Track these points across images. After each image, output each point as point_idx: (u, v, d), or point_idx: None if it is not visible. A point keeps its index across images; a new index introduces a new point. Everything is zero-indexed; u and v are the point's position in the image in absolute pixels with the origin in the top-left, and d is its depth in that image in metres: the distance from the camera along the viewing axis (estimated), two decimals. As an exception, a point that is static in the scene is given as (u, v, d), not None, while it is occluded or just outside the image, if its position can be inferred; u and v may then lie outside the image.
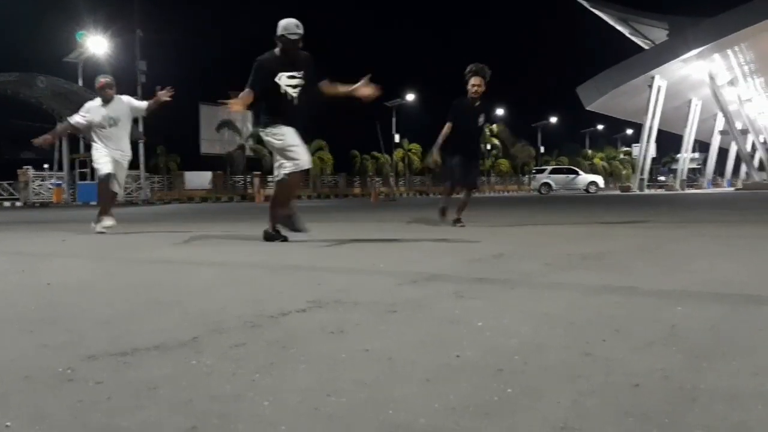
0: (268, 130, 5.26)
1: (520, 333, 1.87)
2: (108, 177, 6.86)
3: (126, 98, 7.17)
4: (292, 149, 5.21)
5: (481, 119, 6.95)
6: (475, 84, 6.78)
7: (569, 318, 2.06)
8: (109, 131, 6.89)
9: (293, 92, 5.24)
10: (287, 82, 5.23)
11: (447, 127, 6.88)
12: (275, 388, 1.39)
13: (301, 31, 5.14)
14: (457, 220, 6.86)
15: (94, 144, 6.93)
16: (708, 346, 1.70)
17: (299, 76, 5.25)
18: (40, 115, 31.78)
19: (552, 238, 5.32)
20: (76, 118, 6.99)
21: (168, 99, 6.93)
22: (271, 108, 5.25)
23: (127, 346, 1.76)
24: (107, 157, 6.85)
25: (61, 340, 1.88)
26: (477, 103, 6.87)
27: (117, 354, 1.69)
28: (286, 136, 5.22)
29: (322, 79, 5.42)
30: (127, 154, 7.08)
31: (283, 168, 5.27)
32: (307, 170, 5.48)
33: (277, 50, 5.25)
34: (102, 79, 7.00)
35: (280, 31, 5.15)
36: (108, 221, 6.69)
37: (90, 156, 7.19)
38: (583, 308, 2.25)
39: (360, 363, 1.59)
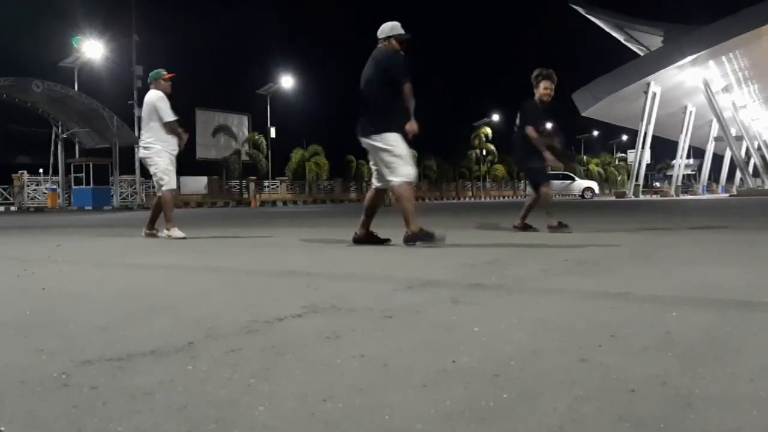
0: (381, 135, 5.03)
1: (516, 339, 1.87)
2: (173, 192, 6.86)
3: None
4: (398, 161, 5.00)
5: (549, 123, 6.88)
6: (547, 87, 6.75)
7: (565, 324, 2.06)
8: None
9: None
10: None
11: (532, 130, 6.66)
12: (271, 394, 1.39)
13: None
14: (528, 226, 6.79)
15: (155, 147, 6.68)
16: (703, 352, 1.71)
17: None
18: (35, 120, 31.79)
19: (547, 243, 5.33)
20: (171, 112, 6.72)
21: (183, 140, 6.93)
22: (388, 108, 5.04)
23: (123, 352, 1.76)
24: (173, 166, 6.78)
25: (56, 345, 1.87)
26: (546, 107, 6.82)
27: (112, 359, 1.69)
28: (398, 145, 5.02)
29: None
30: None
31: (389, 179, 5.06)
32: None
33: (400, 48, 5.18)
34: (168, 73, 6.83)
35: (387, 32, 5.17)
36: (179, 232, 6.55)
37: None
38: (578, 314, 2.25)
39: (356, 368, 1.58)
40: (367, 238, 5.30)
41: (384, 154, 5.06)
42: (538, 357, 1.66)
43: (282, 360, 1.67)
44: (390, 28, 5.22)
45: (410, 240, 5.02)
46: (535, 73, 6.83)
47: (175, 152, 6.87)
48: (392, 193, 5.26)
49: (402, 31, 5.22)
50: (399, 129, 5.03)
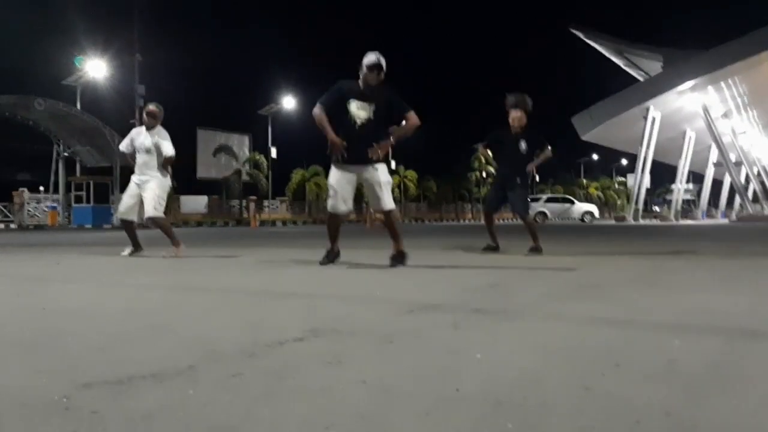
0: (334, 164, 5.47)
1: (519, 365, 1.86)
2: (126, 219, 7.45)
3: (165, 133, 7.31)
4: (330, 191, 5.58)
5: (523, 146, 6.94)
6: (514, 117, 6.89)
7: (567, 350, 2.05)
8: (145, 158, 7.21)
9: (359, 121, 5.30)
10: (356, 107, 5.31)
11: (482, 147, 7.20)
12: (272, 419, 1.38)
13: (377, 61, 5.20)
14: (534, 248, 6.96)
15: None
16: (707, 381, 1.70)
17: (370, 108, 5.31)
18: (37, 138, 31.89)
19: (548, 267, 5.32)
20: (124, 144, 7.41)
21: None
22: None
23: (123, 374, 1.75)
24: (132, 198, 7.29)
25: (56, 366, 1.86)
26: (517, 132, 6.96)
27: (113, 382, 1.67)
28: (332, 175, 5.52)
29: (400, 120, 5.47)
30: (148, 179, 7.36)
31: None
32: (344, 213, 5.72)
33: (359, 80, 5.37)
34: (152, 107, 7.29)
35: (363, 62, 5.30)
36: (127, 250, 7.30)
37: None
38: (581, 341, 2.24)
39: (357, 394, 1.57)
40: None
41: None
42: (542, 384, 1.65)
43: (283, 385, 1.66)
44: (365, 58, 5.30)
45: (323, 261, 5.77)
46: (507, 99, 7.00)
47: (142, 179, 7.34)
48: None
49: (368, 62, 5.22)
50: (334, 160, 5.48)
